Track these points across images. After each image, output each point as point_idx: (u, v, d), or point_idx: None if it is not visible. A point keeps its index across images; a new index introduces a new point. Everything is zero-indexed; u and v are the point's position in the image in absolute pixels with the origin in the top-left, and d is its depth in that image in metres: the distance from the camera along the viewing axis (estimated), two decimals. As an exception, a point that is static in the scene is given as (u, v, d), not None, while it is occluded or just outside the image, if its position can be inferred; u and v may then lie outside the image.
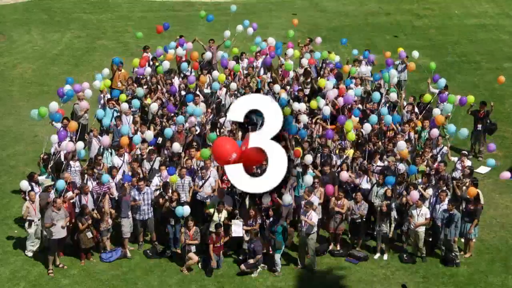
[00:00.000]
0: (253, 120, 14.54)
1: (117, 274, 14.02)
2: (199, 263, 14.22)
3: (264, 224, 14.30)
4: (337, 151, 15.96)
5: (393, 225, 14.42)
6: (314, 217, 13.90)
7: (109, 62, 20.28)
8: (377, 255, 14.63)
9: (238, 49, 20.94)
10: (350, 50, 26.16)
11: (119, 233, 14.67)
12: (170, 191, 14.54)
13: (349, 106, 17.36)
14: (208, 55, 19.99)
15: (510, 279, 13.96)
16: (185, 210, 13.96)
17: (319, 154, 15.90)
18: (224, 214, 14.25)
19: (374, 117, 16.39)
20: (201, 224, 14.63)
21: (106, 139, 15.90)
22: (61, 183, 13.96)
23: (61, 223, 13.59)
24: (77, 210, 14.28)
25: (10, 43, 27.90)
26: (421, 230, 14.21)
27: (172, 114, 17.20)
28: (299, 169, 15.12)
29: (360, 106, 17.85)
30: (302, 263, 14.32)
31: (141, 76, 19.34)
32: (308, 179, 14.12)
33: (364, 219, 14.68)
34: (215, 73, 18.95)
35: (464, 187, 14.61)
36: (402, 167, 15.14)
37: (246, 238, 14.14)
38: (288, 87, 18.82)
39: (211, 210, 14.36)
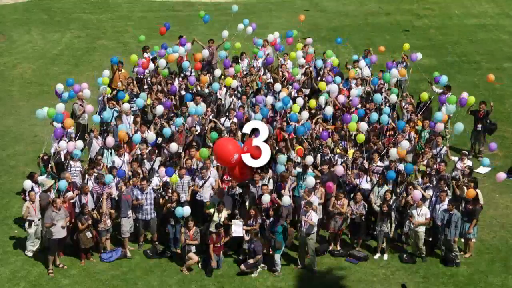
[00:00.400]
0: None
1: (117, 274, 14.02)
2: (199, 263, 14.23)
3: (264, 224, 14.30)
4: (337, 151, 15.96)
5: (393, 225, 14.42)
6: (314, 217, 13.90)
7: (109, 62, 20.27)
8: (377, 255, 14.63)
9: (239, 47, 20.94)
10: (350, 50, 26.31)
11: (119, 233, 14.68)
12: (170, 191, 14.54)
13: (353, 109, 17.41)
14: (205, 53, 19.97)
15: (510, 279, 13.96)
16: (185, 210, 13.96)
17: (319, 154, 15.90)
18: (224, 214, 14.25)
19: (374, 115, 16.42)
20: (201, 224, 14.63)
21: (111, 140, 15.91)
22: (62, 184, 13.96)
23: (61, 223, 13.59)
24: (77, 210, 14.29)
25: (10, 43, 27.92)
26: (421, 230, 14.21)
27: (172, 114, 17.21)
28: (299, 169, 15.13)
29: (359, 106, 17.85)
30: (302, 263, 14.32)
31: (142, 76, 19.36)
32: (311, 180, 14.12)
33: (363, 219, 14.68)
34: (217, 72, 18.94)
35: (464, 187, 14.59)
36: (402, 167, 15.14)
37: (246, 238, 14.14)
38: (289, 87, 18.79)
39: (211, 210, 14.36)
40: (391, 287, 13.70)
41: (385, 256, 14.58)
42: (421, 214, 14.13)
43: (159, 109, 16.86)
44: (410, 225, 14.36)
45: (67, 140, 15.64)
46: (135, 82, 18.85)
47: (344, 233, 15.19)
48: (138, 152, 15.94)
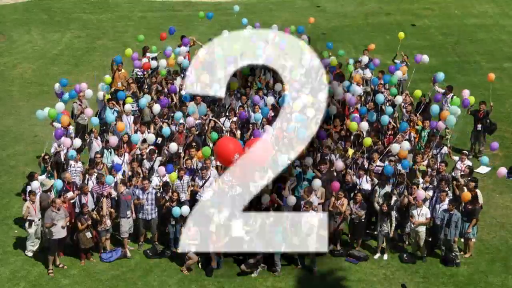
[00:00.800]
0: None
1: (117, 274, 14.02)
2: (199, 263, 14.22)
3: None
4: (338, 151, 15.95)
5: (393, 225, 14.41)
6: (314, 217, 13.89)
7: (109, 62, 20.26)
8: (377, 255, 14.63)
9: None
10: (350, 50, 26.30)
11: (118, 233, 14.68)
12: (170, 191, 14.53)
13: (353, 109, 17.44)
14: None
15: (510, 279, 13.96)
16: (183, 210, 13.94)
17: (319, 154, 15.90)
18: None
19: (371, 115, 16.45)
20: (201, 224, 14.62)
21: (114, 139, 15.92)
22: (58, 183, 13.95)
23: (61, 223, 13.60)
24: (77, 210, 14.29)
25: (10, 43, 27.91)
26: (422, 229, 14.21)
27: (172, 114, 17.20)
28: (299, 169, 15.12)
29: (358, 106, 17.86)
30: (302, 263, 14.31)
31: (141, 76, 19.37)
32: (318, 183, 14.13)
33: (363, 220, 14.67)
34: (220, 73, 18.91)
35: (465, 187, 14.59)
36: (401, 167, 15.14)
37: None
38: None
39: (211, 210, 14.35)
40: (391, 287, 13.70)
41: (385, 256, 14.58)
42: (421, 214, 14.13)
43: (156, 108, 16.88)
44: (410, 225, 14.36)
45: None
46: (135, 85, 18.84)
47: (344, 233, 15.19)
48: (138, 152, 15.94)
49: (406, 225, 14.53)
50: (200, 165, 15.37)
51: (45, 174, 15.09)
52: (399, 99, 17.71)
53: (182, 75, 19.69)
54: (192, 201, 14.95)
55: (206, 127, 16.90)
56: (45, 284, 13.64)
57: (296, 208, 14.62)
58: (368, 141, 15.59)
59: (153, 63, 19.24)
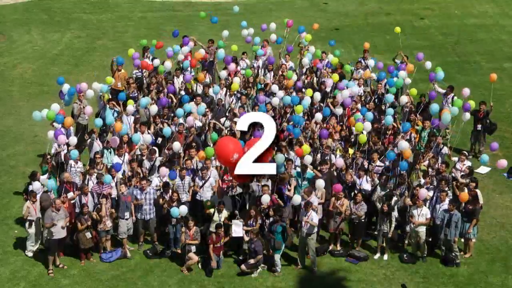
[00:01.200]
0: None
1: (117, 274, 14.01)
2: (199, 263, 14.23)
3: (264, 224, 14.30)
4: (337, 151, 15.96)
5: (393, 224, 14.41)
6: (314, 217, 13.89)
7: (109, 62, 20.25)
8: (377, 255, 14.63)
9: (238, 49, 20.93)
10: (350, 50, 26.33)
11: (117, 234, 14.68)
12: (170, 191, 14.54)
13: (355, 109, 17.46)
14: (201, 52, 19.98)
15: (510, 279, 13.97)
16: (181, 210, 13.94)
17: (319, 154, 15.91)
18: (224, 214, 14.25)
19: (369, 115, 16.47)
20: (201, 224, 14.63)
21: (115, 139, 15.90)
22: (50, 183, 13.91)
23: (61, 223, 13.59)
24: (77, 210, 14.28)
25: (10, 43, 27.91)
26: (422, 230, 14.20)
27: (172, 114, 17.21)
28: (298, 169, 15.12)
29: (359, 106, 17.86)
30: (302, 263, 14.31)
31: (140, 75, 19.38)
32: (320, 183, 14.13)
33: (363, 220, 14.67)
34: (223, 73, 18.91)
35: (465, 188, 14.59)
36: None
37: (246, 239, 14.14)
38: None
39: (211, 210, 14.36)
40: (391, 287, 13.70)
41: (385, 256, 14.58)
42: (422, 214, 14.13)
43: (154, 108, 16.89)
44: (410, 225, 14.36)
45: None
46: (135, 85, 18.84)
47: (344, 233, 15.19)
48: (138, 152, 15.94)
49: (407, 226, 14.50)
50: (200, 165, 15.37)
51: (47, 174, 15.08)
52: (404, 99, 17.72)
53: (183, 76, 19.74)
54: (192, 201, 14.98)
55: (207, 127, 16.92)
56: (45, 284, 13.64)
57: (296, 208, 14.68)
58: (363, 138, 15.62)
59: (156, 62, 19.22)
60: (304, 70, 20.16)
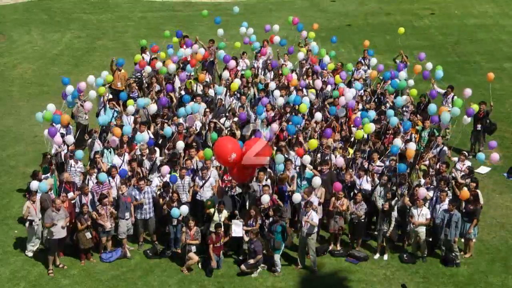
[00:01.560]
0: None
1: (117, 274, 14.01)
2: (199, 263, 14.22)
3: (264, 224, 14.30)
4: (338, 151, 15.96)
5: (392, 224, 14.41)
6: (314, 217, 13.89)
7: (109, 62, 20.25)
8: (377, 255, 14.63)
9: (239, 48, 20.94)
10: (350, 50, 26.34)
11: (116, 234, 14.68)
12: (170, 191, 14.54)
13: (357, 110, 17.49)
14: (201, 51, 19.99)
15: (510, 279, 13.96)
16: (182, 210, 13.94)
17: (319, 154, 15.91)
18: (224, 214, 14.25)
19: (372, 114, 16.48)
20: (201, 224, 14.63)
21: (114, 140, 15.91)
22: (42, 185, 13.92)
23: (61, 223, 13.59)
24: (77, 210, 14.29)
25: (10, 43, 27.93)
26: (422, 230, 14.20)
27: (172, 115, 17.22)
28: (298, 169, 15.13)
29: (360, 106, 17.88)
30: (302, 263, 14.31)
31: (140, 75, 19.39)
32: (317, 181, 14.14)
33: (363, 220, 14.67)
34: (225, 74, 18.90)
35: (465, 187, 14.60)
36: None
37: (246, 239, 14.14)
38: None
39: (211, 210, 14.37)
40: (391, 287, 13.70)
41: (385, 256, 14.57)
42: (422, 214, 14.12)
43: (153, 107, 16.86)
44: (410, 225, 14.36)
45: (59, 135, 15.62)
46: (135, 85, 18.84)
47: (344, 233, 15.19)
48: (138, 152, 15.94)
49: (408, 226, 14.49)
50: (201, 165, 15.38)
51: (49, 173, 15.07)
52: (405, 98, 17.71)
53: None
54: (192, 201, 14.97)
55: (207, 127, 16.92)
56: (45, 284, 13.64)
57: (296, 208, 14.68)
58: (359, 133, 15.71)
59: (158, 64, 19.17)
60: (304, 70, 20.15)
